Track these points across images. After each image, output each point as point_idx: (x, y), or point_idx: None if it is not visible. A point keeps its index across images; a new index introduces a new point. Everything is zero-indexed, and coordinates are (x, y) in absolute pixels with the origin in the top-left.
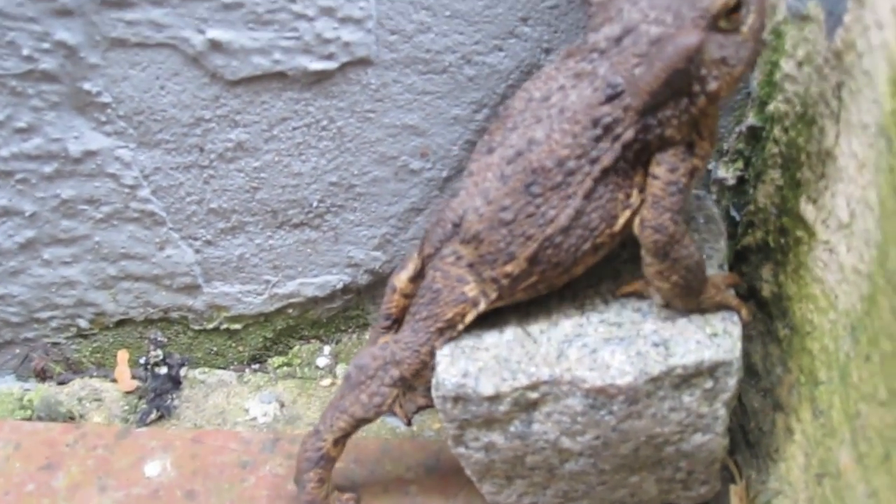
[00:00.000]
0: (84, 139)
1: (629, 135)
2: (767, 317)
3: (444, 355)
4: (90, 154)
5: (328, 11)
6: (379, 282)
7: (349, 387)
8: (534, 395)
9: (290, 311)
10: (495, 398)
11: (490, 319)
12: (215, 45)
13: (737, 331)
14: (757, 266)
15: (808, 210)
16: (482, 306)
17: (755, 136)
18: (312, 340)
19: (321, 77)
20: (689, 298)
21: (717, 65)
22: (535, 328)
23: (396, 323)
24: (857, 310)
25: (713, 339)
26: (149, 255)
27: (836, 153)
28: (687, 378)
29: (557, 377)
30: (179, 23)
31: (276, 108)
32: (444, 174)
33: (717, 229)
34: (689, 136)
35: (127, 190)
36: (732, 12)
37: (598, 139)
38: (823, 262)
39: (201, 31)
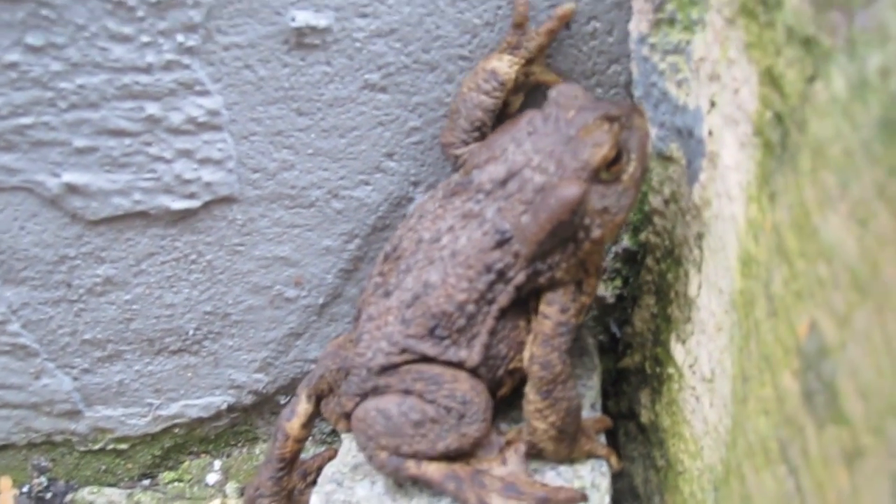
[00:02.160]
0: None
1: (521, 278)
2: (647, 441)
3: None
4: None
5: (186, 153)
6: (264, 400)
7: (389, 428)
8: None
9: (177, 430)
10: None
11: (363, 469)
12: (72, 188)
13: (605, 483)
14: (636, 388)
15: (677, 350)
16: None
17: (631, 258)
18: (202, 455)
19: (185, 215)
20: (561, 444)
21: (600, 214)
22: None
23: (291, 465)
24: (718, 471)
25: None
26: (25, 385)
27: (699, 303)
28: None
29: None
30: (32, 167)
31: (142, 245)
32: (321, 301)
33: (591, 363)
34: (577, 275)
35: None
36: (613, 164)
37: (492, 283)
38: (692, 406)
39: (56, 175)
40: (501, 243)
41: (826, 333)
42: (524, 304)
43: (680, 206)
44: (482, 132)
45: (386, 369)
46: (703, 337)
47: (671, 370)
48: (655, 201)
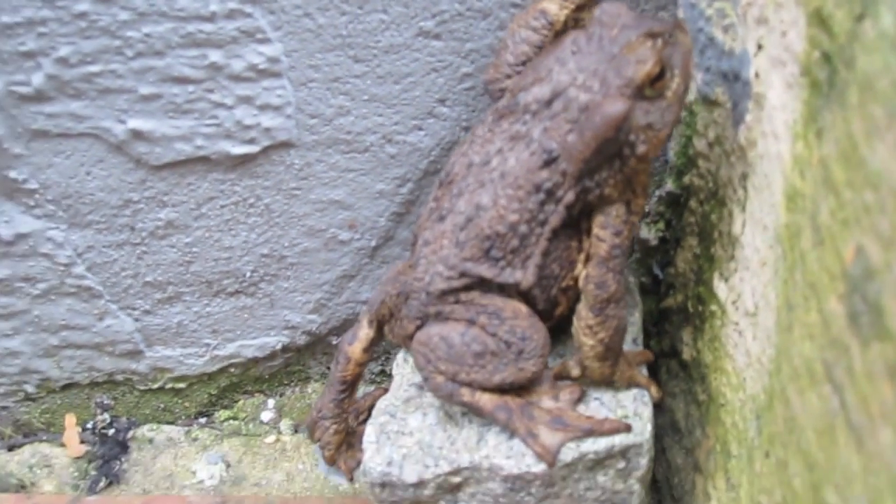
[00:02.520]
0: (14, 223)
1: (570, 197)
2: (689, 377)
3: (370, 442)
4: (22, 236)
5: (246, 100)
6: (317, 341)
7: (450, 354)
8: (456, 479)
9: (232, 370)
10: (419, 484)
11: (415, 402)
12: (137, 134)
13: (647, 412)
14: (678, 327)
15: (720, 287)
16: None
17: (675, 201)
18: (256, 394)
19: (245, 160)
20: (605, 363)
21: (644, 130)
22: (457, 409)
23: (352, 387)
24: (761, 400)
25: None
26: (89, 326)
27: (742, 241)
28: (600, 461)
29: (477, 464)
30: (99, 114)
31: (203, 189)
32: (373, 244)
33: (633, 300)
34: (625, 194)
35: (62, 268)
36: (656, 80)
37: (542, 203)
38: (734, 341)
39: (122, 122)
40: (549, 162)
41: (872, 256)
42: (576, 224)
43: (724, 148)
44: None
45: (445, 294)
46: (747, 273)
47: (714, 307)
48: (700, 144)
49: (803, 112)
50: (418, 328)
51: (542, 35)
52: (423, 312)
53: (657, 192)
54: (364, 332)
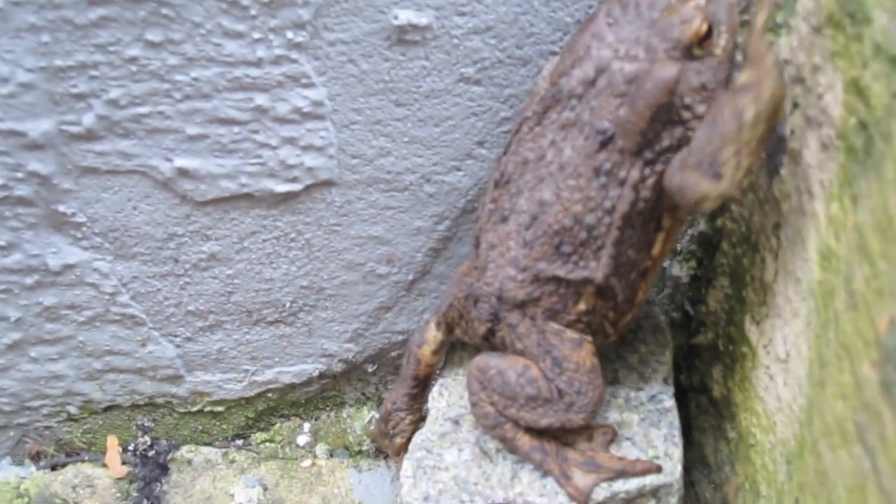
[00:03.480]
0: (62, 254)
1: (635, 175)
2: (718, 414)
3: (406, 476)
4: (69, 266)
5: (290, 140)
6: (353, 368)
7: (505, 389)
8: None
9: (270, 394)
10: None
11: (450, 437)
12: (183, 172)
13: (677, 452)
14: (709, 364)
15: (752, 331)
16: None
17: (707, 242)
18: (293, 418)
19: (287, 197)
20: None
21: (699, 90)
22: (491, 446)
23: (425, 383)
24: (792, 446)
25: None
26: (132, 351)
27: (775, 289)
28: (631, 500)
29: (511, 501)
30: (147, 152)
31: (246, 224)
32: (410, 277)
33: (664, 339)
34: None
35: (107, 296)
36: (705, 39)
37: (604, 187)
38: (765, 384)
39: (169, 160)
40: (605, 143)
41: None
42: (654, 208)
43: (758, 196)
44: None
45: (517, 301)
46: (779, 321)
47: (744, 349)
48: None
49: (839, 174)
50: (489, 331)
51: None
52: (494, 316)
53: (689, 232)
54: (432, 335)
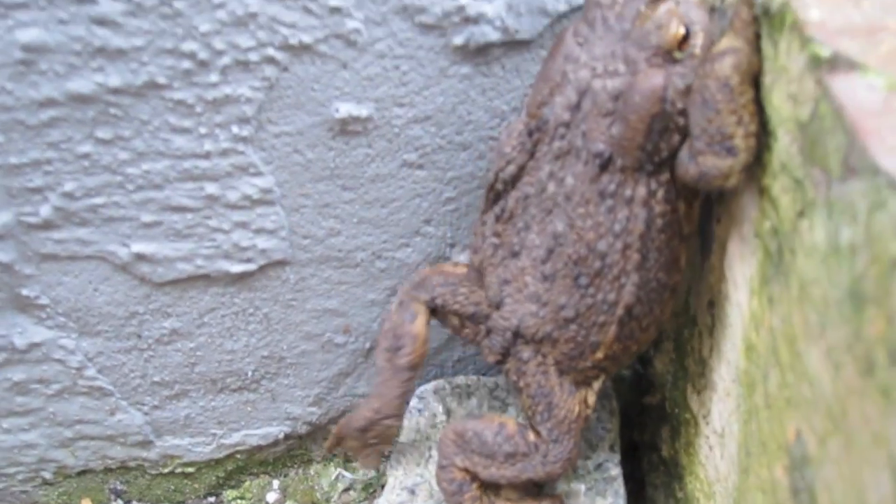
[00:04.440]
0: (28, 333)
1: (642, 192)
2: (668, 472)
3: None
4: (35, 345)
5: (243, 225)
6: (317, 429)
7: (483, 449)
8: None
9: (238, 455)
10: None
11: None
12: (140, 257)
13: None
14: (658, 423)
15: (693, 399)
16: (597, 386)
17: None
18: (262, 476)
19: (243, 276)
20: None
21: (687, 93)
22: None
23: (418, 371)
24: None
25: None
26: (101, 420)
27: (711, 365)
28: None
29: None
30: (105, 239)
31: (205, 301)
32: (367, 345)
33: (610, 406)
34: None
35: (74, 370)
36: (683, 42)
37: (612, 210)
38: (706, 452)
39: (126, 245)
40: (604, 166)
41: (808, 445)
42: (674, 218)
43: (694, 273)
44: None
45: (537, 340)
46: (715, 395)
47: (688, 415)
48: None
49: (758, 271)
50: (498, 363)
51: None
52: (507, 350)
53: None
54: (421, 310)
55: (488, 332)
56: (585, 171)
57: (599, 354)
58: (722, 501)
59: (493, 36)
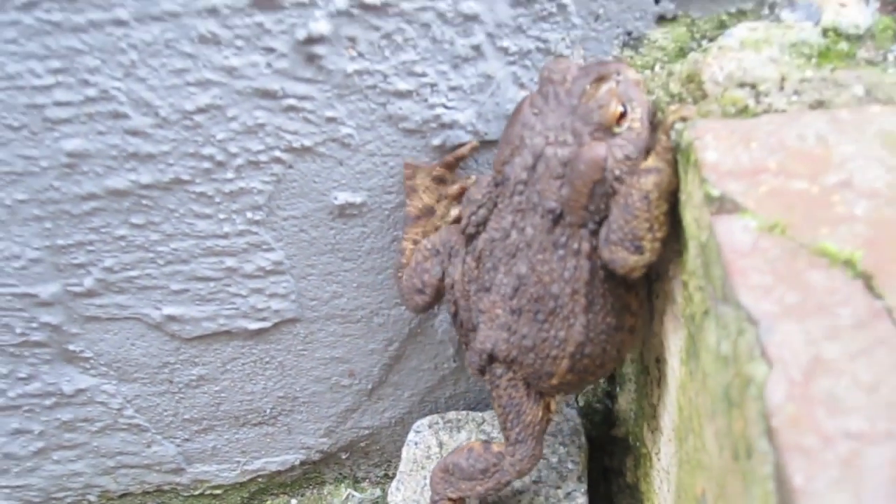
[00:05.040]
0: (74, 381)
1: (586, 246)
2: (632, 497)
3: None
4: (81, 390)
5: (258, 290)
6: (329, 456)
7: (466, 477)
8: None
9: (260, 479)
10: None
11: None
12: (171, 318)
13: None
14: (623, 452)
15: (648, 437)
16: (559, 398)
17: None
18: (281, 496)
19: (260, 332)
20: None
21: (624, 161)
22: None
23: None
24: None
25: None
26: (139, 451)
27: (660, 411)
28: None
29: None
30: (140, 304)
31: (227, 352)
32: (370, 387)
33: (580, 441)
34: None
35: (114, 411)
36: (621, 118)
37: (562, 259)
38: (658, 484)
39: (158, 308)
40: (556, 220)
41: (708, 502)
42: (613, 274)
43: (644, 330)
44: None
45: (508, 362)
46: (663, 438)
47: (645, 450)
48: None
49: (685, 346)
50: (478, 375)
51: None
52: (483, 368)
53: None
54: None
55: (466, 346)
56: (542, 223)
57: (554, 381)
58: None
59: (466, 138)
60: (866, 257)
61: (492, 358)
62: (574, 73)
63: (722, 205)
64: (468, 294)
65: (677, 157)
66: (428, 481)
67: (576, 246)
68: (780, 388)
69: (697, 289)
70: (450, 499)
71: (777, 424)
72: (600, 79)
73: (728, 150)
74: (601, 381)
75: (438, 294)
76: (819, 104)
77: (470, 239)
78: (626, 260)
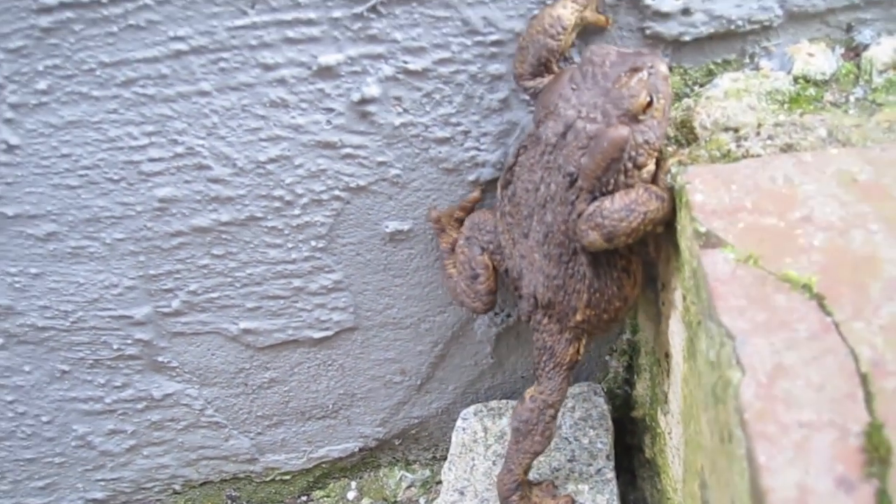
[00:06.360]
0: (163, 387)
1: (582, 207)
2: (651, 469)
3: None
4: (168, 395)
5: (321, 305)
6: (384, 443)
7: (523, 435)
8: None
9: (324, 465)
10: None
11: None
12: (246, 331)
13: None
14: (643, 431)
15: (661, 419)
16: (585, 340)
17: (633, 345)
18: (343, 479)
19: (323, 340)
20: None
21: (642, 145)
22: None
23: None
24: None
25: None
26: (218, 445)
27: (670, 397)
28: None
29: None
30: (219, 321)
31: (294, 358)
32: (419, 382)
33: (606, 425)
34: None
35: (197, 411)
36: (647, 108)
37: (571, 214)
38: (671, 460)
39: (235, 324)
40: (572, 183)
41: (706, 475)
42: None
43: (653, 329)
44: (548, 68)
45: (546, 304)
46: (673, 420)
47: (659, 430)
48: (644, 323)
49: (686, 346)
50: (526, 321)
51: (559, 41)
52: (530, 314)
53: (623, 336)
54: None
55: (519, 296)
56: (562, 182)
57: (579, 317)
58: (680, 497)
59: (495, 174)
60: (821, 281)
61: (537, 303)
62: (613, 59)
63: (708, 239)
64: (513, 241)
65: (674, 196)
66: (476, 461)
67: (581, 207)
68: (751, 389)
69: (692, 302)
70: (527, 464)
71: (748, 417)
72: (635, 69)
73: (713, 192)
74: (620, 369)
75: (492, 273)
76: (789, 147)
77: (506, 185)
78: (595, 241)
